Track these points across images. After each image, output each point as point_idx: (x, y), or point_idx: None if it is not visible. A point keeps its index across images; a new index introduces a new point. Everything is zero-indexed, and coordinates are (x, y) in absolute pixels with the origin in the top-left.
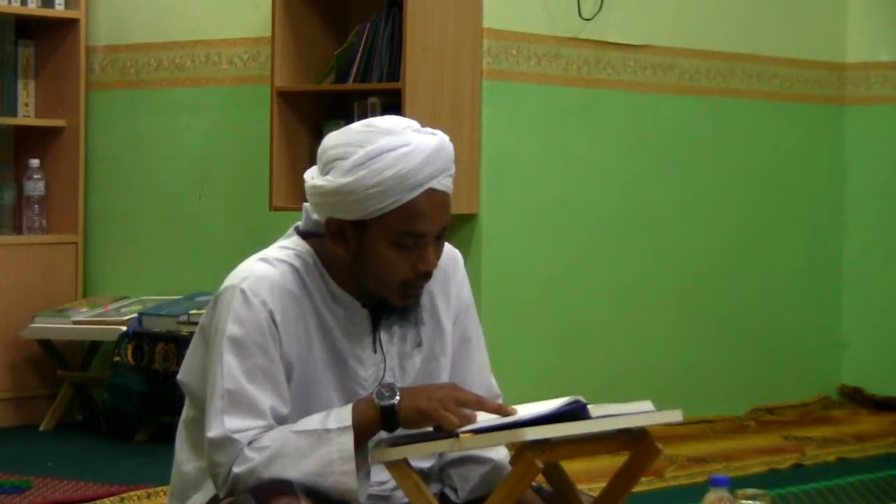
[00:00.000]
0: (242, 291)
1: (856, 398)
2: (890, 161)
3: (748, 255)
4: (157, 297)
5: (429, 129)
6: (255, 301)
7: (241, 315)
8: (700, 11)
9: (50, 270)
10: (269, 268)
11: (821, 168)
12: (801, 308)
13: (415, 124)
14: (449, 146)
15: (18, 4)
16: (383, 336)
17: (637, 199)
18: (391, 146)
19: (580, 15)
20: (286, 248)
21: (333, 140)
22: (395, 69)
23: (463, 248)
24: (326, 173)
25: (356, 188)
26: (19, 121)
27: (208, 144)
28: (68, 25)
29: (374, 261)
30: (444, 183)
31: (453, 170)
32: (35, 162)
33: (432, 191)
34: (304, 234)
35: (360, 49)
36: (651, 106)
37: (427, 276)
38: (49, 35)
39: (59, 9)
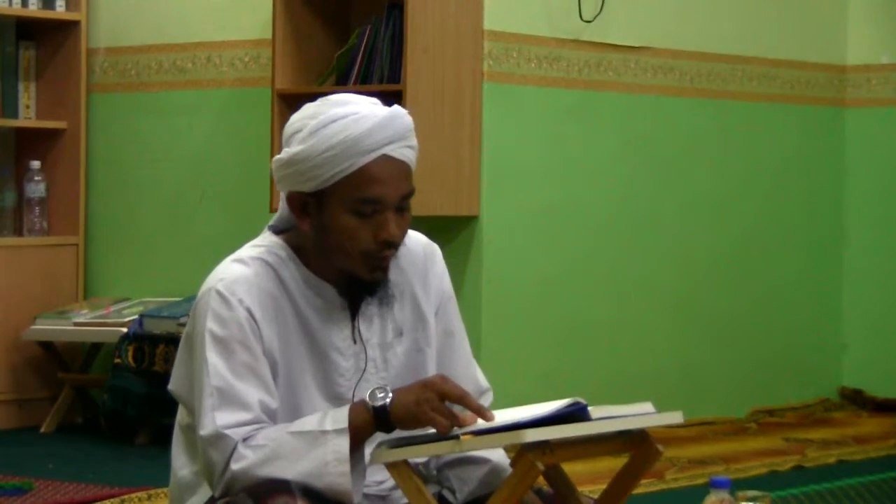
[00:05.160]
0: (219, 292)
1: (856, 400)
2: (890, 163)
3: (749, 257)
4: (157, 299)
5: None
6: (232, 300)
7: (220, 315)
8: (701, 13)
9: (51, 272)
10: (243, 267)
11: (821, 170)
12: (801, 310)
13: (373, 99)
14: (404, 117)
15: (19, 6)
16: (362, 326)
17: (637, 201)
18: (341, 115)
19: (581, 17)
20: (258, 246)
21: (293, 117)
22: (395, 71)
23: (464, 249)
24: (287, 147)
25: (309, 155)
26: (20, 123)
27: (209, 146)
28: (69, 27)
29: (336, 231)
30: (402, 152)
31: (414, 142)
32: (36, 164)
33: (387, 157)
34: (277, 231)
35: (361, 51)
36: (652, 108)
37: (390, 245)
38: (50, 37)
39: (60, 11)
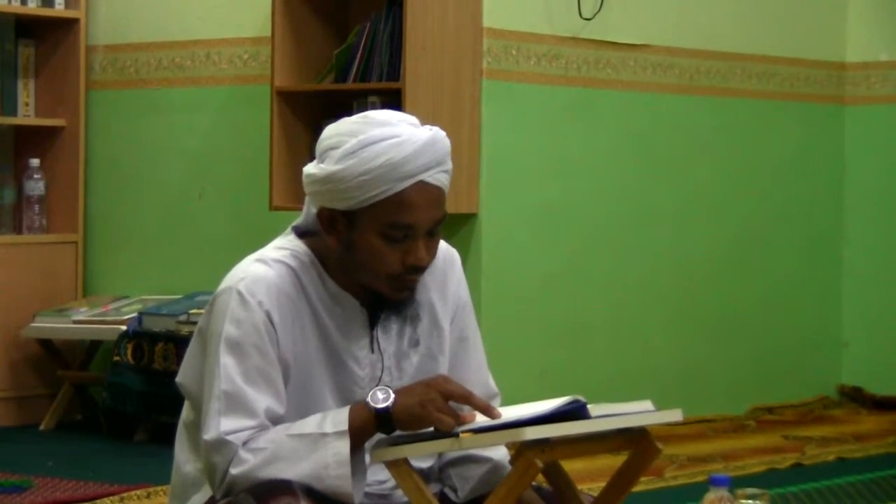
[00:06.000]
0: (239, 293)
1: (856, 398)
2: (890, 160)
3: (748, 255)
4: (156, 297)
5: (427, 126)
6: (251, 302)
7: (238, 316)
8: (700, 11)
9: (50, 270)
10: (266, 268)
11: (820, 167)
12: (800, 307)
13: (412, 119)
14: (443, 141)
15: (18, 4)
16: (380, 335)
17: (637, 199)
18: (383, 136)
19: (580, 14)
20: (282, 248)
21: (330, 131)
22: (395, 69)
23: (462, 247)
24: (321, 162)
25: (346, 176)
26: (19, 120)
27: (208, 144)
28: (68, 25)
29: (364, 252)
30: (438, 178)
31: (449, 166)
32: (35, 161)
33: (424, 183)
34: (302, 233)
35: (360, 48)
36: (651, 105)
37: (417, 270)
38: (49, 35)
39: (59, 8)
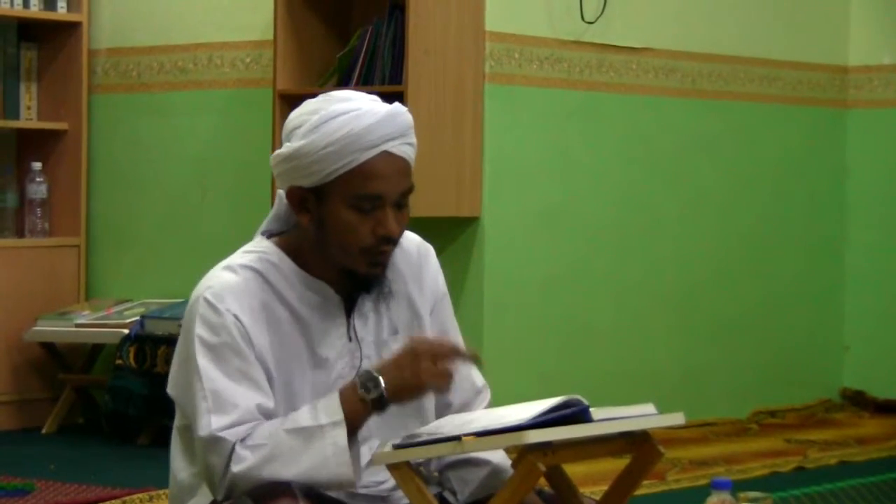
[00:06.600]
0: (207, 300)
1: (858, 401)
2: (892, 164)
3: (750, 258)
4: (159, 300)
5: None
6: (221, 307)
7: (210, 321)
8: (702, 14)
9: (52, 273)
10: (232, 275)
11: (823, 171)
12: (803, 311)
13: (373, 97)
14: (405, 115)
15: (21, 7)
16: (357, 323)
17: (639, 202)
18: (344, 110)
19: (582, 18)
20: (249, 253)
21: (294, 113)
22: (397, 72)
23: (465, 251)
24: (287, 142)
25: (310, 150)
26: (22, 124)
27: (210, 147)
28: (71, 28)
29: (335, 227)
30: (402, 149)
31: (413, 140)
32: (37, 165)
33: (388, 154)
34: (271, 235)
35: (363, 52)
36: (653, 109)
37: (389, 241)
38: (51, 38)
39: (62, 12)
